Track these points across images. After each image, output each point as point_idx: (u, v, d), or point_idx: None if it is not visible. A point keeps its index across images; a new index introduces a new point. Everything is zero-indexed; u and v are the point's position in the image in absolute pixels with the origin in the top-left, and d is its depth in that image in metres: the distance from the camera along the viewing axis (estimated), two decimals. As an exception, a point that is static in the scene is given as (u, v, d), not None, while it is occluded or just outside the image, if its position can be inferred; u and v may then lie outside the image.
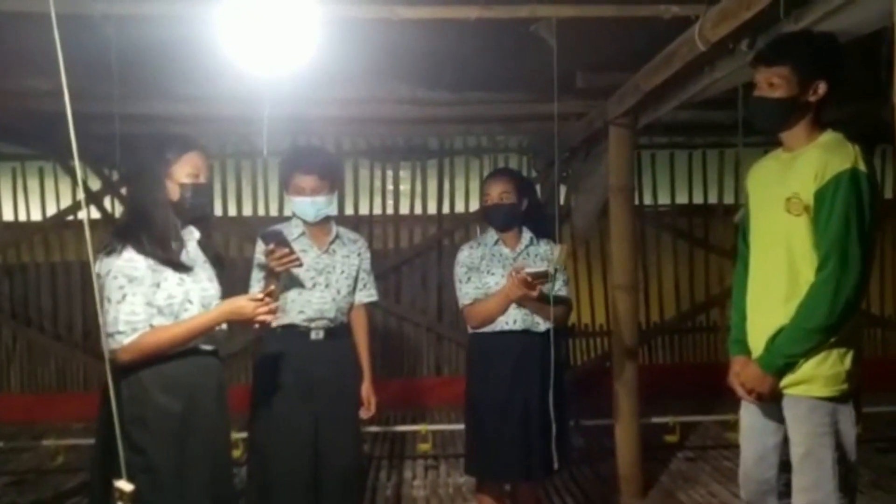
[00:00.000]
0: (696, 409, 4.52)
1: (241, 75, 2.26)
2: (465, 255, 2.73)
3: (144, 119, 3.25)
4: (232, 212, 5.38)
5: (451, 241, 5.44)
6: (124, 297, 1.88)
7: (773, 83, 1.90)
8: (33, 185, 5.40)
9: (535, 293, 2.42)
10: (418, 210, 5.52)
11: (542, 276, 2.40)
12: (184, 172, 2.00)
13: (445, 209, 5.53)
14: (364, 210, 5.49)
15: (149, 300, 1.91)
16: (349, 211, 5.43)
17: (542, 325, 2.64)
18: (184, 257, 2.02)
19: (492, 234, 2.76)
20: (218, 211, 5.30)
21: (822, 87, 1.89)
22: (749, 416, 2.12)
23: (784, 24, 2.00)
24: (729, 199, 5.58)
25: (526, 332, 2.63)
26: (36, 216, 5.41)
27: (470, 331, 2.74)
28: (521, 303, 2.56)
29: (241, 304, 1.98)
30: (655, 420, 4.04)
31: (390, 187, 5.50)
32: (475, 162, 5.41)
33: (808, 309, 1.87)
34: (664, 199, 5.66)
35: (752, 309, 2.07)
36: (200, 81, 3.08)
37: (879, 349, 5.69)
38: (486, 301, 2.63)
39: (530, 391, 2.60)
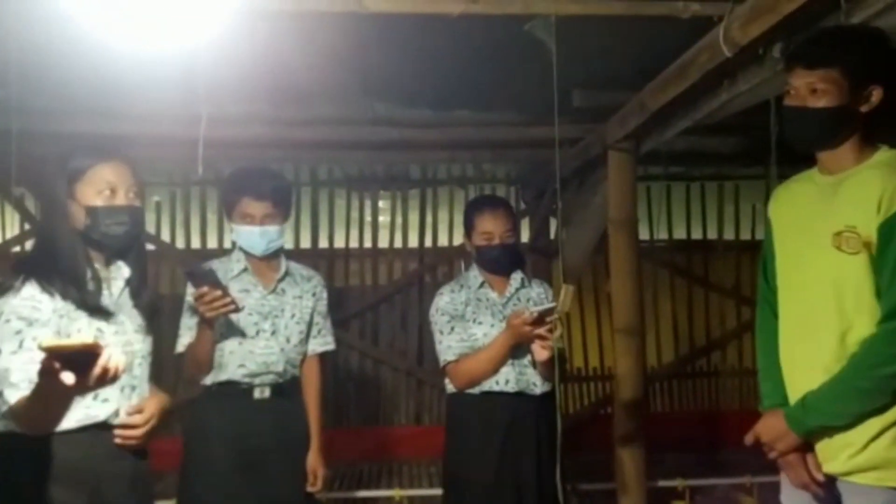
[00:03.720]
0: (698, 462, 4.14)
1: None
2: (445, 300, 2.32)
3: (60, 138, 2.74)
4: (180, 243, 4.94)
5: (433, 277, 5.04)
6: (21, 344, 1.45)
7: (817, 89, 1.55)
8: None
9: (548, 337, 2.05)
10: (398, 243, 5.14)
11: (550, 313, 2.05)
12: (92, 191, 1.58)
13: (428, 242, 5.15)
14: (340, 243, 5.09)
15: None
16: (324, 244, 5.05)
17: (538, 386, 2.22)
18: (105, 300, 1.60)
19: (475, 275, 2.35)
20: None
21: (876, 95, 1.55)
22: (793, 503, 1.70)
23: (830, 19, 1.67)
24: (729, 235, 5.29)
25: (519, 396, 2.21)
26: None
27: (449, 390, 2.31)
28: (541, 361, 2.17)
29: None
30: (663, 484, 3.61)
31: (368, 219, 5.12)
32: (460, 193, 5.07)
33: (864, 365, 1.50)
34: (660, 234, 5.31)
35: (788, 369, 1.68)
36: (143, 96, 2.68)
37: None
38: (475, 355, 2.21)
39: (524, 469, 2.17)
